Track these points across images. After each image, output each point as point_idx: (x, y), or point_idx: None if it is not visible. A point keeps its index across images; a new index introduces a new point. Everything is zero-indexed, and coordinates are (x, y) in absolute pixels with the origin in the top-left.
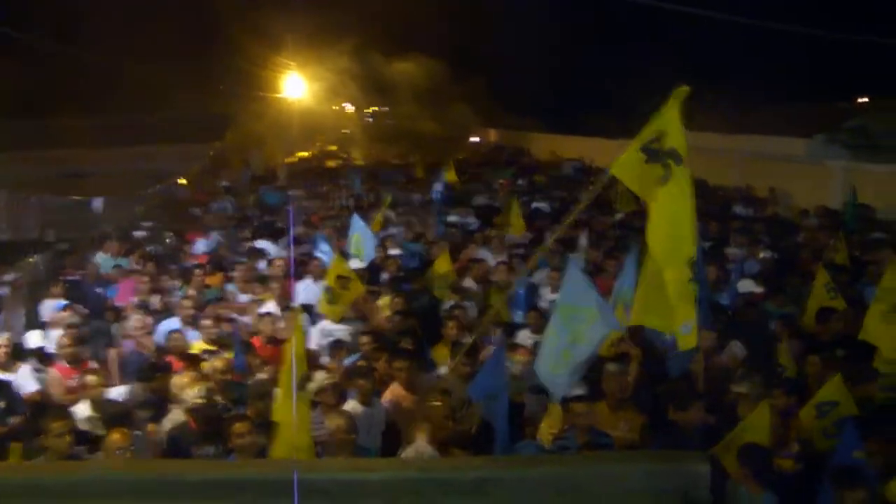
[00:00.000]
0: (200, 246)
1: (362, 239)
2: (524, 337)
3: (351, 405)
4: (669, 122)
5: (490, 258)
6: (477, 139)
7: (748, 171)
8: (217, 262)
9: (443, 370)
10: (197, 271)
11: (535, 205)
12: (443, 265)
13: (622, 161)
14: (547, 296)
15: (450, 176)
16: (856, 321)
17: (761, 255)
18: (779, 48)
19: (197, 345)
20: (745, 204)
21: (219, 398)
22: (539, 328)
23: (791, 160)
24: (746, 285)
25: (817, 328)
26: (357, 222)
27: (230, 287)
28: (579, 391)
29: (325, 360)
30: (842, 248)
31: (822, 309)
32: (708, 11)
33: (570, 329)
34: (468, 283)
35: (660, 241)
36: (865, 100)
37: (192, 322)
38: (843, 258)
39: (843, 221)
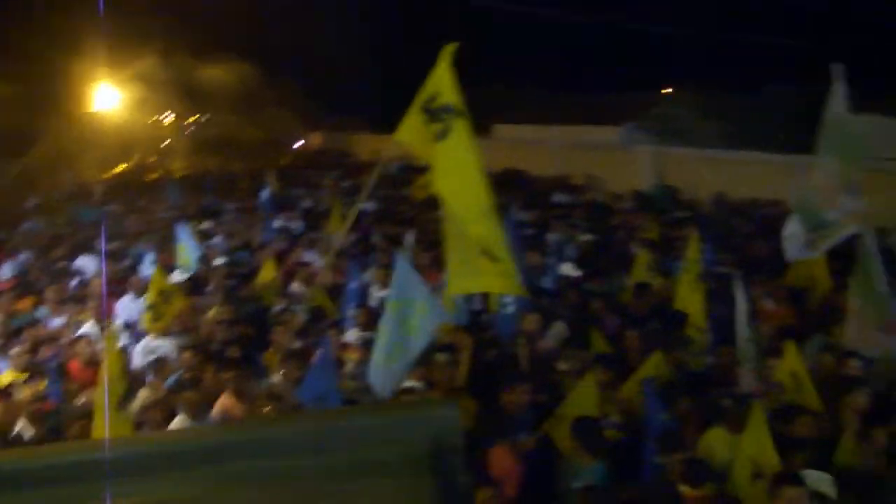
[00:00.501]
0: (6, 270)
1: (187, 250)
2: (354, 335)
3: (180, 420)
4: (441, 81)
5: (317, 260)
6: (301, 143)
7: (566, 161)
8: (26, 285)
9: (275, 377)
10: (2, 296)
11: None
12: (269, 271)
13: (405, 126)
14: (376, 293)
15: (274, 182)
16: (669, 293)
17: (580, 239)
18: (588, 41)
19: (6, 375)
20: (563, 192)
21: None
22: (368, 326)
23: (604, 148)
24: (566, 268)
25: (634, 303)
26: (181, 233)
27: (42, 310)
28: (409, 384)
29: (150, 377)
30: (653, 227)
31: (636, 284)
32: (521, 7)
33: (403, 323)
34: (296, 287)
35: (454, 197)
36: (669, 90)
37: (1, 351)
38: (654, 236)
39: (653, 202)
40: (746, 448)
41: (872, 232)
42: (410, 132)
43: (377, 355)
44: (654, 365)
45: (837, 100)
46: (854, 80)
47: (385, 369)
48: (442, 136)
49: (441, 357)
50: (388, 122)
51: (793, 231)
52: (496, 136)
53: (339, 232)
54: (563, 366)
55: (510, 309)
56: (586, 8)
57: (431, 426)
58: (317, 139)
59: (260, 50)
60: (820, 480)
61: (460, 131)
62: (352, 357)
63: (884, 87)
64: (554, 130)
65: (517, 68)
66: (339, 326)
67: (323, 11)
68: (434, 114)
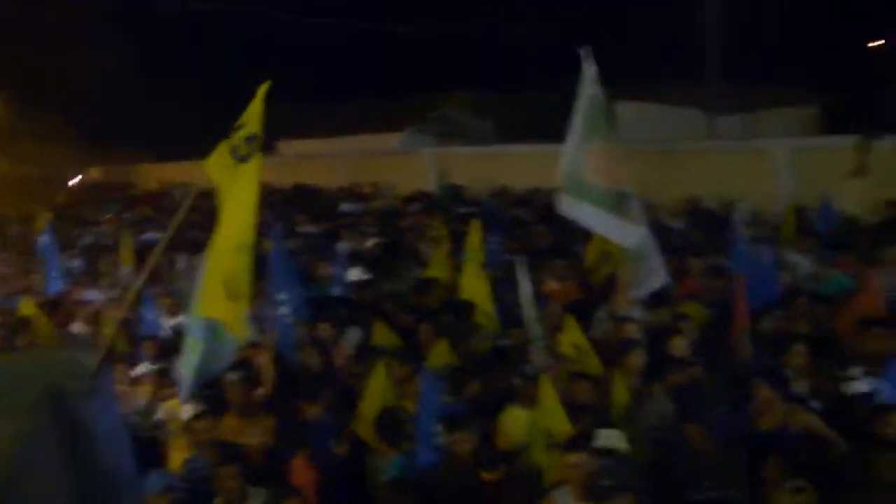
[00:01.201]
0: None
1: None
2: (144, 369)
3: None
4: (251, 115)
5: (100, 297)
6: (78, 178)
7: (353, 170)
8: None
9: None
10: None
11: (143, 236)
12: (39, 318)
13: (213, 159)
14: (166, 323)
15: (51, 222)
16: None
17: (369, 244)
18: (366, 49)
19: None
20: (351, 201)
21: None
22: (157, 358)
23: (389, 154)
24: (355, 273)
25: (424, 299)
26: None
27: None
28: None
29: None
30: (440, 225)
31: (423, 281)
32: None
33: (203, 348)
34: (77, 327)
35: (228, 226)
36: (447, 92)
37: None
38: (443, 233)
39: (438, 202)
40: (541, 421)
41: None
42: (217, 167)
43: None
44: (440, 354)
45: (589, 80)
46: (609, 69)
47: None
48: (241, 160)
49: (232, 375)
50: (174, 149)
51: (592, 217)
52: (281, 153)
53: (129, 266)
54: (357, 368)
55: (287, 320)
56: (360, 16)
57: (50, 373)
58: (95, 173)
59: (24, 83)
60: (610, 437)
61: (254, 165)
62: (145, 390)
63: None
64: (339, 141)
65: (296, 82)
66: (129, 361)
67: (93, 43)
68: (238, 144)
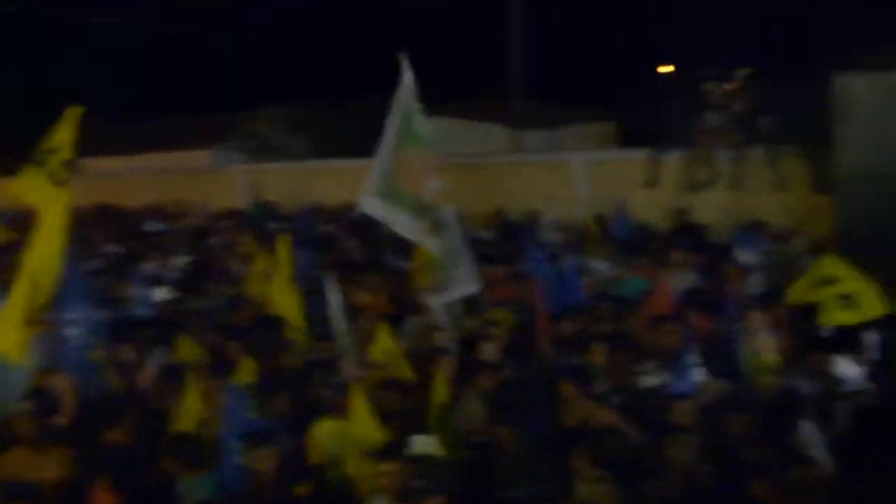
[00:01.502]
0: None
1: None
2: None
3: None
4: (63, 139)
5: None
6: None
7: (160, 189)
8: None
9: None
10: None
11: None
12: None
13: (25, 181)
14: None
15: None
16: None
17: (177, 263)
18: (175, 63)
19: None
20: (157, 220)
21: None
22: None
23: (198, 172)
24: (160, 293)
25: (234, 317)
26: None
27: None
28: None
29: None
30: (249, 242)
31: (232, 298)
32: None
33: None
34: None
35: (38, 250)
36: (258, 108)
37: None
38: (253, 251)
39: (250, 219)
40: (352, 431)
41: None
42: (29, 187)
43: None
44: (246, 371)
45: (406, 88)
46: (429, 86)
47: None
48: (59, 185)
49: (21, 406)
50: None
51: (401, 222)
52: (85, 171)
53: None
54: (163, 389)
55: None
56: (164, 25)
57: None
58: None
59: None
60: (426, 443)
61: (67, 188)
62: None
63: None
64: (145, 158)
65: (99, 97)
66: None
67: None
68: (55, 169)
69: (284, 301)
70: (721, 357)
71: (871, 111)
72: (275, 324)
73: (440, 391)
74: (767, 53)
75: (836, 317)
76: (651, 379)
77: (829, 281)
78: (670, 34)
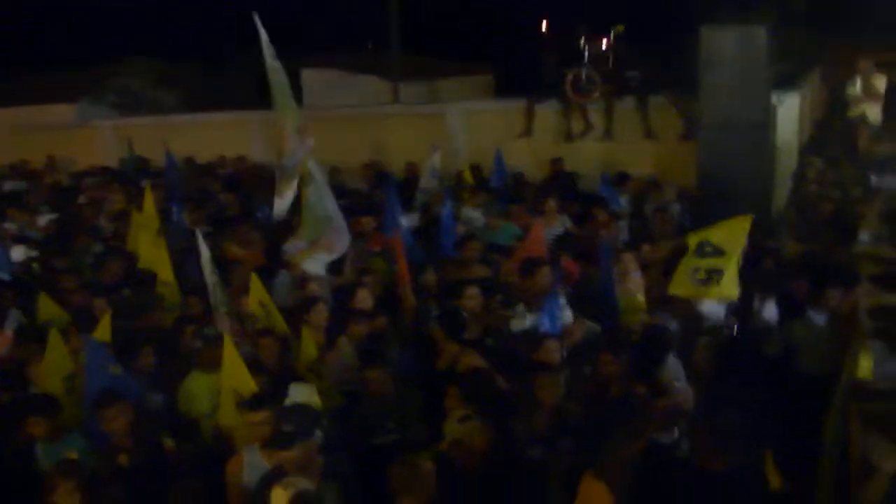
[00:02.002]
0: None
1: None
2: None
3: None
4: None
5: None
6: None
7: (21, 146)
8: None
9: None
10: None
11: None
12: None
13: None
14: None
15: None
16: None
17: (41, 221)
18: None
19: None
20: (18, 178)
21: None
22: None
23: (62, 127)
24: (19, 253)
25: (102, 274)
26: None
27: None
28: None
29: None
30: (119, 199)
31: (98, 255)
32: None
33: None
34: None
35: None
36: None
37: None
38: (125, 207)
39: (120, 175)
40: (226, 382)
41: (319, 163)
42: None
43: None
44: (102, 329)
45: (266, 48)
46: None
47: None
48: None
49: None
50: None
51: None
52: None
53: None
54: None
55: None
56: None
57: None
58: None
59: None
60: (301, 392)
61: None
62: None
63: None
64: (5, 114)
65: None
66: None
67: None
68: None
69: (153, 255)
70: (592, 299)
71: (734, 63)
72: (144, 280)
73: (309, 342)
74: (639, 8)
75: (687, 289)
76: (521, 321)
77: (704, 251)
78: None
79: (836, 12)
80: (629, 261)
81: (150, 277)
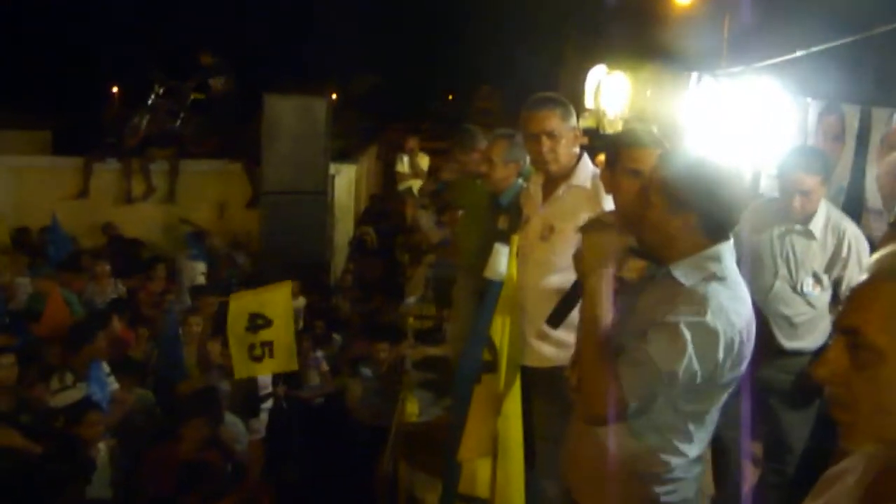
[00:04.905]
0: None
1: None
2: None
3: None
4: None
5: None
6: None
7: None
8: None
9: None
10: None
11: None
12: None
13: None
14: None
15: None
16: None
17: None
18: None
19: None
20: None
21: None
22: None
23: None
24: None
25: None
26: None
27: None
28: None
29: None
30: None
31: None
32: None
33: None
34: None
35: None
36: None
37: None
38: None
39: None
40: None
41: None
42: None
43: None
44: None
45: None
46: None
47: None
48: None
49: None
50: None
51: None
52: None
53: None
54: None
55: None
56: None
57: None
58: None
59: None
60: None
61: None
62: None
63: None
64: None
65: None
66: None
67: None
68: None
69: None
70: (137, 364)
71: (291, 131)
72: None
73: None
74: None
75: (249, 369)
76: (69, 392)
77: (255, 324)
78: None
79: (389, 101)
80: (196, 322)
81: None
